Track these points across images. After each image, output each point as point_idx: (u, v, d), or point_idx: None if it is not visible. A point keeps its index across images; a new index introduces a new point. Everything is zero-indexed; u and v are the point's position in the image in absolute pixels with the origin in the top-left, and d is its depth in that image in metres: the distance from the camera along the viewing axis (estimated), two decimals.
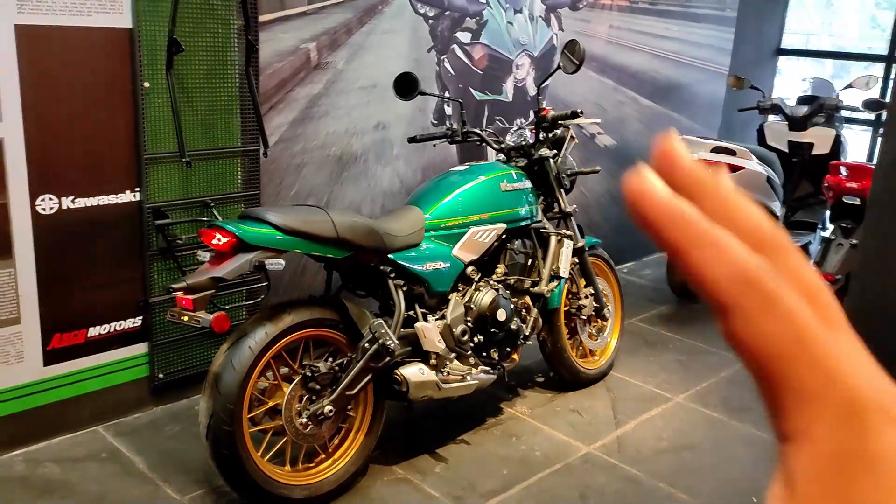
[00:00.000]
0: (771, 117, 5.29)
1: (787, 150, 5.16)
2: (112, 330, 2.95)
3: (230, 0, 2.93)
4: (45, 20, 2.54)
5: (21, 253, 2.64)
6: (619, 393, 3.56)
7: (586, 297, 3.48)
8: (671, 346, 4.13)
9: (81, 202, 2.76)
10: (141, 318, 3.01)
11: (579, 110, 3.15)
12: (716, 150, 4.41)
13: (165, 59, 2.77)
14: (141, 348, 3.05)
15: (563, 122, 3.19)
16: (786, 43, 6.31)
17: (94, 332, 2.90)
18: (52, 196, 2.68)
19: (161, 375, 3.09)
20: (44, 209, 2.67)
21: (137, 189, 2.89)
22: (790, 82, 6.41)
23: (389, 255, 2.67)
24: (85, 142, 2.73)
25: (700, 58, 5.48)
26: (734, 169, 4.36)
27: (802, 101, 5.25)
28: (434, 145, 3.44)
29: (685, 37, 5.27)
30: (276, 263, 2.35)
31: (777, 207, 4.69)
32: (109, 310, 2.92)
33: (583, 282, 3.49)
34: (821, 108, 5.04)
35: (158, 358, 3.08)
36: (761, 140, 5.33)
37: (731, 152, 4.42)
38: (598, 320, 3.60)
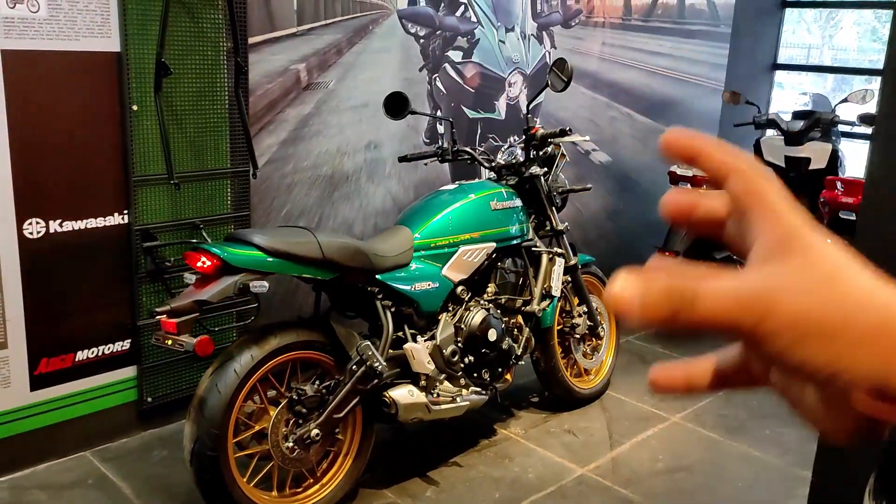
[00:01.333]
0: (768, 132, 5.28)
1: (783, 165, 5.14)
2: (100, 353, 2.93)
3: (219, 23, 2.93)
4: (31, 45, 2.54)
5: (8, 277, 2.63)
6: (615, 412, 3.53)
7: (580, 315, 3.45)
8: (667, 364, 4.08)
9: (69, 225, 2.75)
10: (129, 341, 2.99)
11: (568, 128, 3.14)
12: None
13: (154, 81, 2.77)
14: (129, 372, 3.02)
15: (552, 139, 3.18)
16: (787, 57, 6.31)
17: (81, 355, 2.88)
18: (39, 220, 2.67)
19: (149, 399, 3.07)
20: (31, 233, 2.66)
21: (126, 211, 2.88)
22: (792, 96, 6.40)
23: (377, 276, 2.65)
24: (73, 165, 2.72)
25: (694, 73, 5.47)
26: None
27: (798, 115, 5.23)
28: (425, 164, 3.42)
29: (679, 53, 5.27)
30: (259, 286, 2.32)
31: None
32: (98, 333, 2.90)
33: (576, 300, 3.46)
34: (817, 122, 5.02)
35: (147, 382, 3.06)
36: (758, 155, 5.31)
37: None
38: (593, 339, 3.57)
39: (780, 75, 6.38)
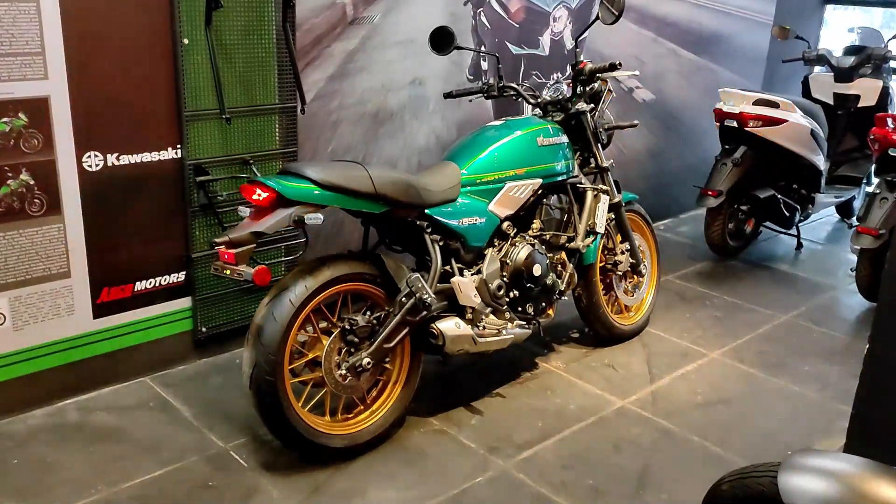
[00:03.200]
0: (816, 69, 5.16)
1: (832, 103, 5.04)
2: (157, 285, 3.03)
3: None
4: None
5: (69, 209, 2.72)
6: (655, 348, 3.58)
7: (622, 252, 3.47)
8: (707, 302, 4.12)
9: (125, 159, 2.82)
10: (184, 273, 3.08)
11: (618, 62, 3.11)
12: (758, 102, 4.32)
13: (204, 15, 2.80)
14: (185, 303, 3.13)
15: (600, 74, 3.15)
16: None
17: (140, 286, 2.99)
18: (97, 153, 2.75)
19: (204, 329, 3.18)
20: (90, 166, 2.74)
21: (179, 146, 2.94)
22: (836, 34, 6.21)
23: (426, 211, 2.69)
24: (128, 99, 2.78)
25: (743, 7, 5.34)
26: (777, 122, 4.28)
27: (849, 51, 5.10)
28: (470, 100, 3.42)
29: None
30: (314, 218, 2.38)
31: (821, 161, 4.60)
32: (154, 265, 3.00)
33: (619, 238, 3.48)
34: (868, 58, 4.90)
35: (201, 312, 3.16)
36: (805, 92, 5.21)
37: (775, 105, 4.33)
38: (634, 276, 3.60)
39: (828, 10, 6.19)
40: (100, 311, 2.90)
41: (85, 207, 2.76)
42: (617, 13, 2.98)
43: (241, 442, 2.72)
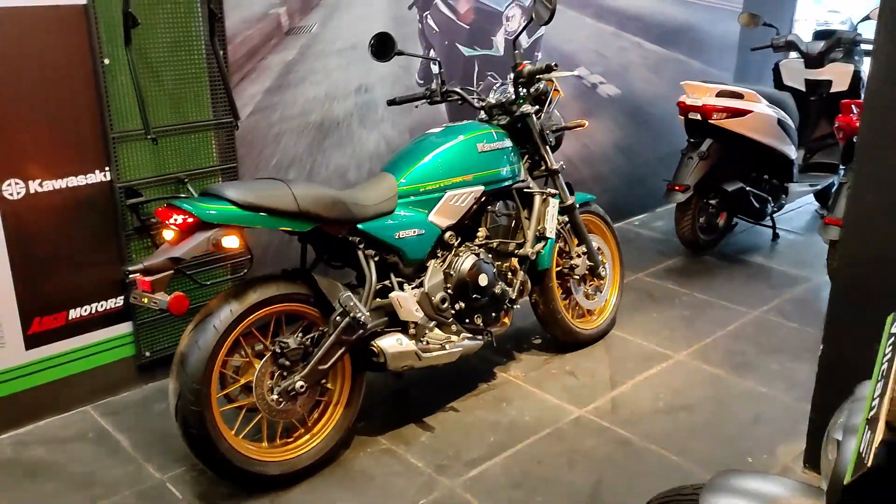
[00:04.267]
0: (792, 54, 5.04)
1: (804, 90, 4.92)
2: (94, 311, 2.94)
3: None
4: None
5: None
6: (619, 352, 3.47)
7: (578, 255, 3.37)
8: (677, 300, 4.01)
9: (49, 185, 2.73)
10: (122, 298, 3.00)
11: (554, 63, 3.01)
12: (721, 94, 4.21)
13: (122, 34, 2.71)
14: (125, 328, 3.04)
15: (540, 76, 3.05)
16: None
17: (75, 313, 2.90)
18: (17, 180, 2.66)
19: (147, 354, 3.10)
20: (10, 194, 2.65)
21: (107, 168, 2.85)
22: (815, 15, 6.10)
23: (358, 226, 2.60)
24: (48, 123, 2.69)
25: None
26: (742, 113, 4.17)
27: (819, 36, 4.99)
28: (416, 106, 3.32)
29: None
30: (230, 241, 2.29)
31: (791, 151, 4.48)
32: (89, 291, 2.92)
33: (575, 241, 3.38)
34: (838, 42, 4.78)
35: (143, 336, 3.08)
36: (777, 80, 5.09)
37: (738, 96, 4.22)
38: (594, 279, 3.49)
39: None
40: (32, 341, 2.81)
41: (9, 237, 2.67)
42: (551, 9, 2.87)
43: (177, 473, 2.62)
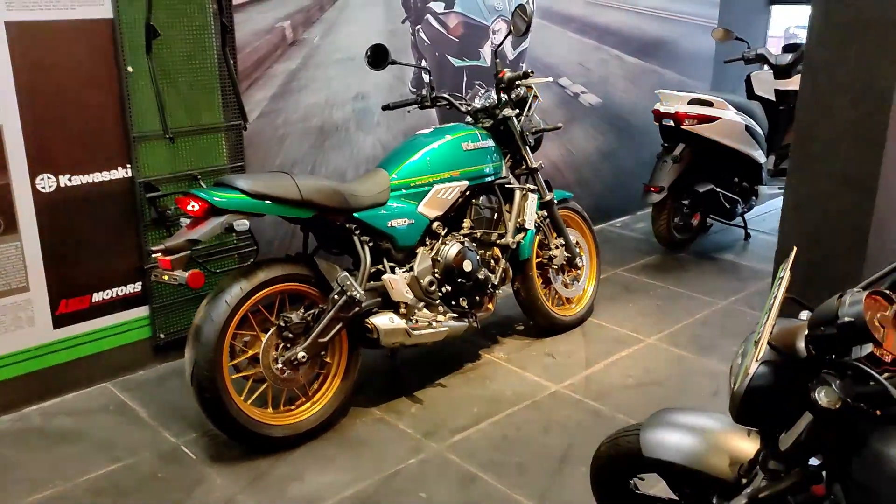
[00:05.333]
0: (765, 67, 5.36)
1: (774, 99, 5.25)
2: (114, 295, 3.24)
3: None
4: (32, 16, 2.80)
5: (25, 227, 2.94)
6: (594, 337, 3.77)
7: (557, 247, 3.67)
8: (651, 292, 4.31)
9: (77, 179, 3.04)
10: (140, 283, 3.30)
11: (530, 70, 3.34)
12: (693, 101, 4.54)
13: (145, 44, 3.02)
14: (142, 311, 3.34)
15: (519, 82, 3.37)
16: None
17: (97, 297, 3.20)
18: (50, 175, 2.97)
19: (162, 336, 3.39)
20: (43, 187, 2.96)
21: (129, 165, 3.16)
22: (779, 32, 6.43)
23: (354, 214, 2.91)
24: (78, 124, 3.00)
25: (686, 12, 5.56)
26: (711, 119, 4.49)
27: (787, 49, 5.32)
28: (408, 111, 3.64)
29: None
30: (241, 224, 2.60)
31: (760, 155, 4.80)
32: (111, 277, 3.22)
33: (554, 234, 3.69)
34: (804, 55, 5.10)
35: (159, 320, 3.37)
36: (749, 90, 5.41)
37: (708, 103, 4.54)
38: (572, 269, 3.79)
39: (776, 10, 6.41)
40: (59, 322, 3.11)
41: (41, 226, 2.98)
42: (528, 22, 3.20)
43: (192, 438, 2.91)
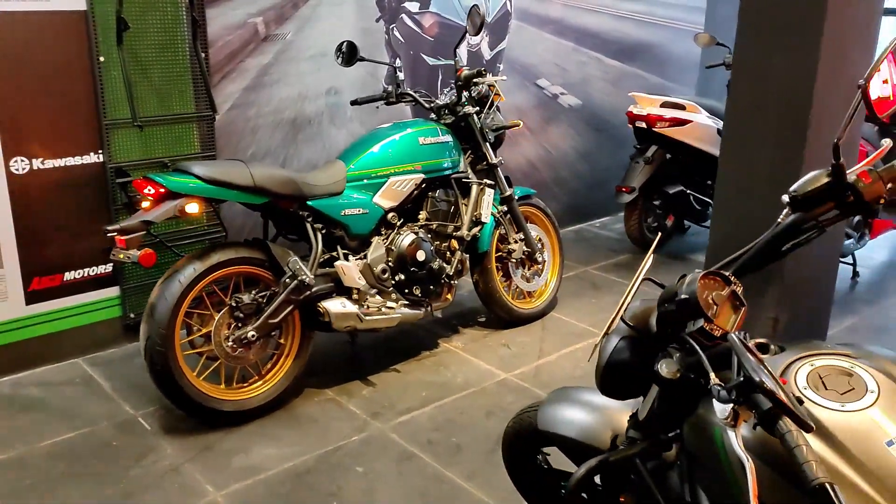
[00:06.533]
0: None
1: None
2: (86, 275, 3.40)
3: None
4: (8, 7, 2.97)
5: None
6: (552, 330, 3.88)
7: (516, 241, 3.79)
8: (616, 289, 4.41)
9: (50, 163, 3.21)
10: (111, 265, 3.45)
11: (483, 69, 3.47)
12: (665, 105, 4.63)
13: (116, 35, 3.18)
14: (113, 291, 3.50)
15: (476, 80, 3.49)
16: None
17: (69, 276, 3.36)
18: (23, 158, 3.13)
19: (132, 315, 3.54)
20: (17, 169, 3.12)
21: (100, 151, 3.32)
22: None
23: (308, 203, 3.04)
24: (51, 110, 3.16)
25: (670, 17, 5.65)
26: (683, 122, 4.58)
27: None
28: (377, 107, 3.77)
29: None
30: (191, 207, 2.74)
31: None
32: (82, 257, 3.38)
33: (514, 229, 3.80)
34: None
35: (130, 300, 3.53)
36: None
37: (681, 107, 4.64)
38: (532, 264, 3.91)
39: None
40: (32, 298, 3.27)
41: (14, 206, 3.14)
42: (481, 21, 3.33)
43: (149, 410, 3.06)
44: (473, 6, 3.36)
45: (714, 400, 1.22)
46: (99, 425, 2.96)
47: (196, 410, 2.88)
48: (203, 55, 3.44)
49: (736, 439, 1.15)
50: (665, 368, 1.44)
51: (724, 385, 1.18)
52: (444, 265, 3.43)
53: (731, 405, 1.19)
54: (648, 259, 1.65)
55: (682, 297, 1.42)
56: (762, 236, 1.57)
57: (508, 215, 3.76)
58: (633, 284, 1.59)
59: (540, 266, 3.94)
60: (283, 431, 2.96)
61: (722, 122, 4.75)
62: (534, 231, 3.90)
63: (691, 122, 4.60)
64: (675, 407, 1.51)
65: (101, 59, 3.21)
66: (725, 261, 1.59)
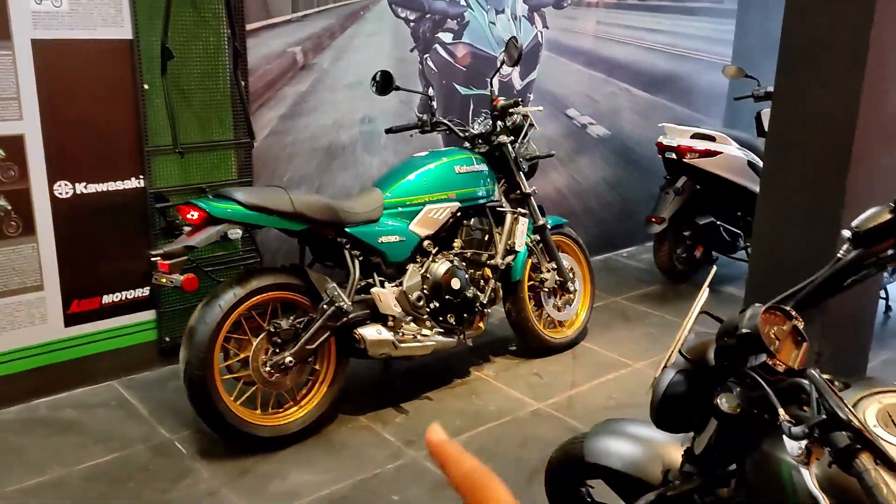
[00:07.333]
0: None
1: None
2: (123, 298, 3.44)
3: (219, 12, 3.38)
4: (57, 34, 3.04)
5: (42, 230, 3.15)
6: (584, 360, 3.87)
7: (548, 271, 3.79)
8: (647, 320, 4.39)
9: (93, 187, 3.26)
10: (148, 288, 3.49)
11: (520, 99, 3.50)
12: (695, 136, 4.65)
13: (160, 64, 3.24)
14: (149, 315, 3.53)
15: (511, 110, 3.53)
16: None
17: (107, 299, 3.40)
18: (67, 182, 3.19)
19: (167, 339, 3.57)
20: (60, 193, 3.18)
21: (141, 176, 3.37)
22: None
23: (346, 229, 3.07)
24: (95, 136, 3.22)
25: (697, 49, 5.68)
26: (713, 154, 4.59)
27: None
28: (410, 135, 3.81)
29: (679, 30, 5.50)
30: (234, 233, 2.78)
31: None
32: (120, 280, 3.41)
33: (546, 258, 3.81)
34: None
35: (165, 324, 3.56)
36: (759, 126, 5.49)
37: (711, 138, 4.65)
38: (564, 293, 3.90)
39: None
40: (70, 320, 3.31)
41: (57, 229, 3.19)
42: (519, 52, 3.36)
43: (184, 434, 3.08)
44: (511, 38, 3.41)
45: (784, 436, 1.21)
46: (135, 448, 2.97)
47: (233, 435, 2.89)
48: (243, 83, 3.50)
49: (810, 477, 1.14)
50: (725, 403, 1.44)
51: (800, 422, 1.17)
52: (479, 293, 3.44)
53: (805, 442, 1.18)
54: (704, 292, 1.65)
55: (744, 331, 1.42)
56: (822, 271, 1.57)
57: (541, 244, 3.78)
58: (690, 317, 1.60)
59: (572, 295, 3.94)
60: (319, 457, 2.95)
61: (752, 154, 4.79)
62: (565, 260, 3.90)
63: (721, 153, 4.61)
64: (733, 442, 1.50)
65: (146, 86, 3.27)
66: (784, 295, 1.59)
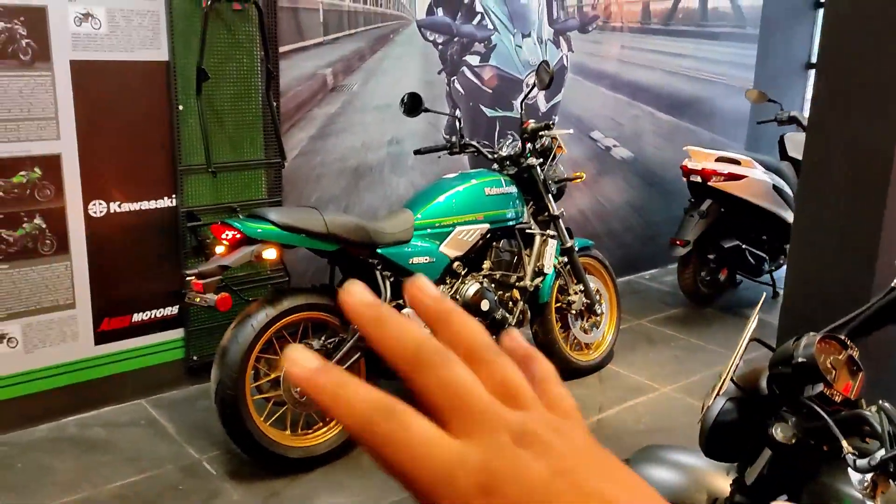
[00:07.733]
0: (799, 128, 5.44)
1: None
2: (153, 316, 3.45)
3: (253, 35, 3.42)
4: (95, 56, 3.08)
5: (75, 248, 3.17)
6: (611, 383, 3.84)
7: (576, 293, 3.78)
8: (672, 343, 4.37)
9: (126, 206, 3.28)
10: (178, 307, 3.50)
11: (550, 122, 3.52)
12: (720, 159, 4.64)
13: (195, 85, 3.28)
14: (178, 333, 3.54)
15: (542, 133, 3.54)
16: None
17: (137, 317, 3.41)
18: (101, 201, 3.21)
19: (195, 357, 3.58)
20: (95, 212, 3.20)
21: (174, 196, 3.39)
22: None
23: (377, 250, 3.08)
24: (130, 156, 3.25)
25: (720, 73, 5.69)
26: (738, 177, 4.58)
27: None
28: (438, 157, 3.83)
29: (702, 54, 5.51)
30: (268, 253, 2.79)
31: (788, 215, 4.85)
32: (150, 299, 3.43)
33: (574, 280, 3.80)
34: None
35: (193, 342, 3.57)
36: (783, 150, 5.49)
37: (736, 162, 4.64)
38: (591, 316, 3.89)
39: (813, 74, 6.49)
40: (101, 338, 3.32)
41: (90, 248, 3.21)
42: (550, 75, 3.38)
43: (214, 454, 3.07)
44: (543, 62, 3.43)
45: (850, 469, 1.20)
46: (164, 468, 2.97)
47: (263, 456, 2.89)
48: (275, 104, 3.53)
49: None
50: (780, 433, 1.43)
51: (863, 454, 1.16)
52: (507, 315, 3.43)
53: (870, 475, 1.17)
54: (754, 319, 1.64)
55: (800, 360, 1.41)
56: (876, 299, 1.56)
57: (568, 266, 3.77)
58: (742, 344, 1.59)
59: (599, 318, 3.92)
60: (348, 480, 2.94)
61: (777, 178, 4.78)
62: (592, 283, 3.89)
63: (746, 177, 4.60)
64: (787, 472, 1.49)
65: (181, 107, 3.30)
66: (837, 323, 1.58)
